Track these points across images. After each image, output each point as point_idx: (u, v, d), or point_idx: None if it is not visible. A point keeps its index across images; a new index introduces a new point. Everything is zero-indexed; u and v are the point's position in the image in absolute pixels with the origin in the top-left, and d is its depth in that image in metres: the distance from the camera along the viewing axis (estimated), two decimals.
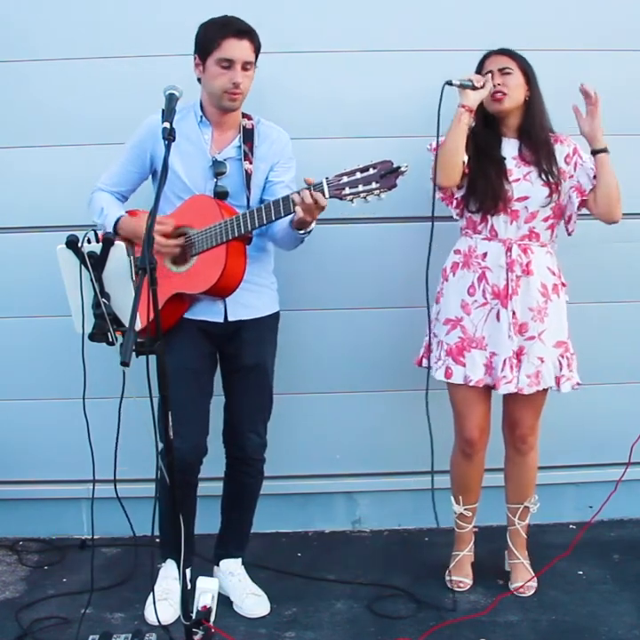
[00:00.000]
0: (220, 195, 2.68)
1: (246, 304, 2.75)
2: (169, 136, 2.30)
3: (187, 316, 2.75)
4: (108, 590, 2.97)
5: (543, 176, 2.76)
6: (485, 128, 2.81)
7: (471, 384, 2.79)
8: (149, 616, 2.71)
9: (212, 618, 2.36)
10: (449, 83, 2.67)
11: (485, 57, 2.80)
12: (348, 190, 2.38)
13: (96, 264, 2.23)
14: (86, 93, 3.07)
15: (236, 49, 2.57)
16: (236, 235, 2.55)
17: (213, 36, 2.58)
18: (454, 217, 2.89)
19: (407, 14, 3.08)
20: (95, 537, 3.18)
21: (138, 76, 2.99)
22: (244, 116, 2.77)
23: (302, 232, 2.54)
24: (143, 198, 2.84)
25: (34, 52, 3.06)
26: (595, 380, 3.24)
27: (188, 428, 2.67)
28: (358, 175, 2.37)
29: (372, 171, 2.36)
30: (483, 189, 2.76)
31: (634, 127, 3.15)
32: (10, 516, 3.39)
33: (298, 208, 2.43)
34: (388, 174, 2.34)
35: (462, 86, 2.69)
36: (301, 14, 3.08)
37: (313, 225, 2.53)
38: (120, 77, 3.05)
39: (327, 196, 2.40)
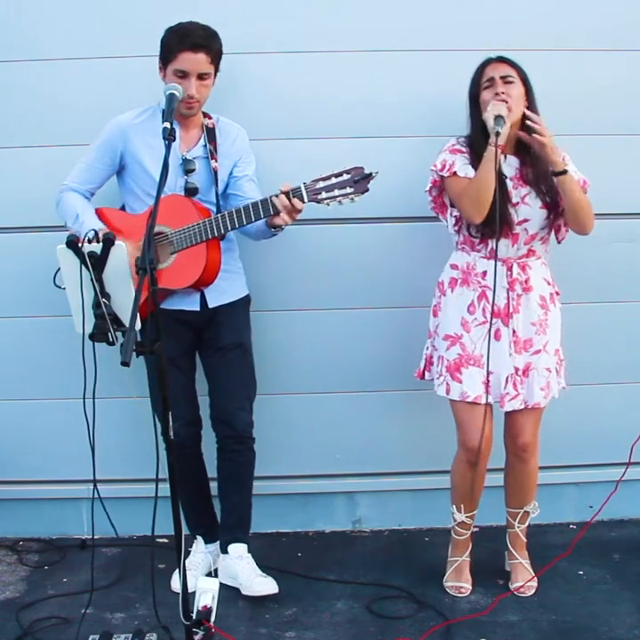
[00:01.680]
0: (191, 191, 2.82)
1: (222, 290, 2.90)
2: (169, 136, 2.35)
3: (164, 306, 2.80)
4: (108, 590, 2.97)
5: (541, 197, 2.73)
6: (485, 142, 2.70)
7: (469, 400, 2.79)
8: (174, 585, 2.95)
9: (213, 618, 2.36)
10: (498, 133, 2.58)
11: (485, 64, 2.76)
12: (324, 194, 2.54)
13: (96, 264, 2.23)
14: (87, 93, 3.07)
15: (191, 62, 2.69)
16: (216, 234, 2.68)
17: (172, 47, 2.70)
18: (450, 231, 2.87)
19: (406, 14, 3.08)
20: (95, 537, 3.18)
21: (139, 76, 2.99)
22: (205, 114, 2.90)
23: (276, 230, 2.69)
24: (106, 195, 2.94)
25: (34, 53, 3.05)
26: (595, 380, 3.25)
27: (176, 409, 2.69)
28: (333, 180, 2.54)
29: (346, 176, 2.53)
30: (497, 233, 2.69)
31: (632, 127, 3.15)
32: (10, 516, 3.39)
33: (282, 211, 2.58)
34: (361, 180, 2.52)
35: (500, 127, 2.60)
36: (300, 14, 3.07)
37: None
38: (121, 77, 3.05)
39: (306, 200, 2.56)
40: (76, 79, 3.07)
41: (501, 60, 2.75)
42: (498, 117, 2.61)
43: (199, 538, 3.11)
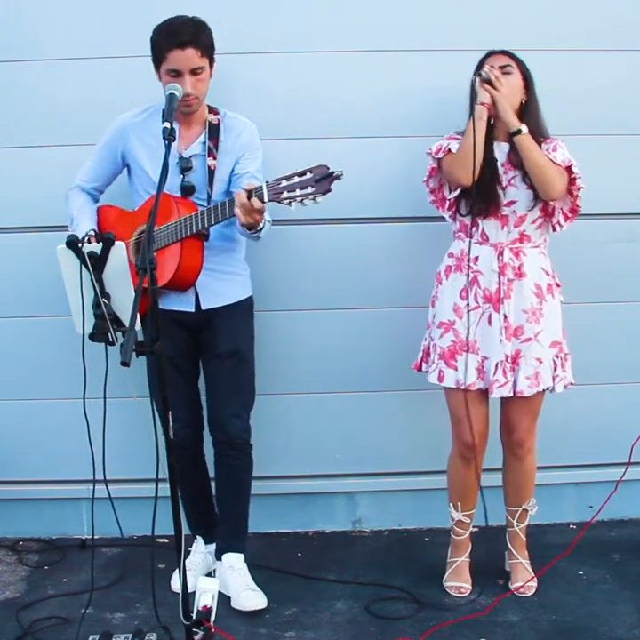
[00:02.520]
0: (187, 190, 2.77)
1: (217, 292, 2.84)
2: (169, 136, 2.32)
3: (159, 306, 2.77)
4: (107, 590, 2.97)
5: (527, 179, 2.73)
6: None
7: (463, 388, 2.79)
8: (174, 585, 2.94)
9: (213, 618, 2.36)
10: (479, 75, 2.65)
11: (486, 56, 2.79)
12: (286, 194, 2.39)
13: (96, 264, 2.23)
14: (87, 93, 3.07)
15: (181, 60, 2.64)
16: (189, 233, 2.63)
17: (160, 47, 2.66)
18: (447, 220, 2.89)
19: (406, 14, 3.08)
20: (95, 537, 3.18)
21: (139, 75, 2.98)
22: (211, 110, 2.83)
23: (251, 232, 2.57)
24: (115, 193, 2.93)
25: (34, 52, 3.05)
26: (595, 380, 3.24)
27: (176, 409, 2.67)
28: (296, 179, 2.38)
29: (308, 175, 2.37)
30: (474, 192, 2.73)
31: (632, 127, 3.15)
32: (10, 516, 3.39)
33: (237, 209, 2.47)
34: (322, 179, 2.34)
35: (486, 80, 2.66)
36: (300, 14, 3.08)
37: (262, 225, 2.57)
38: (121, 77, 3.05)
39: (266, 199, 2.42)
40: (77, 79, 3.07)
41: (503, 52, 2.78)
42: (484, 73, 2.67)
43: (199, 538, 3.10)
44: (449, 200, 2.85)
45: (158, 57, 2.68)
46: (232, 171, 2.82)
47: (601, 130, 3.11)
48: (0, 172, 3.14)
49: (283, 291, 3.21)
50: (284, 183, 2.40)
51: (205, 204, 2.78)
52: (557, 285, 2.87)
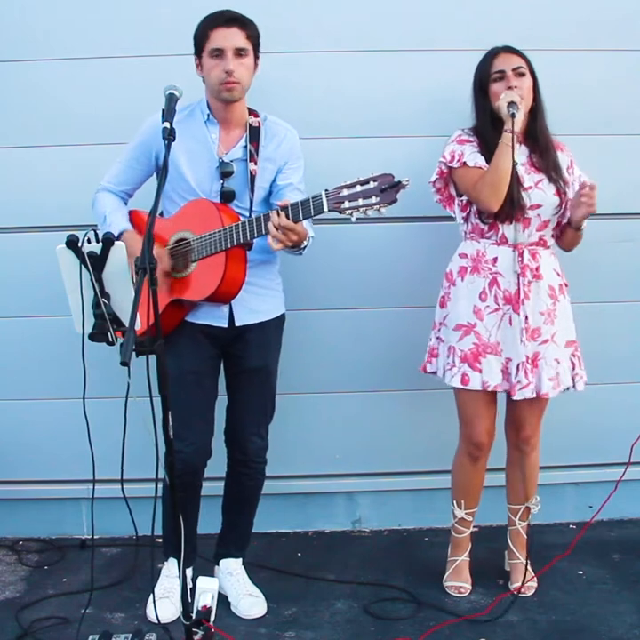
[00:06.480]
0: (227, 196, 2.67)
1: (253, 308, 2.74)
2: (169, 136, 2.30)
3: (190, 319, 2.72)
4: (107, 590, 2.97)
5: (554, 184, 2.74)
6: (494, 131, 2.71)
7: (489, 389, 2.77)
8: (150, 614, 2.73)
9: (212, 618, 2.36)
10: (514, 115, 2.59)
11: (494, 54, 2.73)
12: (347, 204, 2.30)
13: (96, 264, 2.23)
14: (88, 93, 3.07)
15: (225, 37, 2.55)
16: (236, 243, 2.53)
17: (204, 30, 2.58)
18: (458, 221, 2.86)
19: (407, 14, 3.08)
20: (95, 537, 3.18)
21: (140, 75, 2.99)
22: (251, 112, 2.73)
23: (296, 250, 2.50)
24: (144, 197, 2.83)
25: (35, 52, 3.06)
26: (595, 379, 3.23)
27: (192, 432, 2.70)
28: (358, 188, 2.29)
29: (372, 184, 2.28)
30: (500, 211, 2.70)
31: (632, 127, 3.15)
32: (10, 516, 3.39)
33: (271, 229, 2.38)
34: (388, 188, 2.27)
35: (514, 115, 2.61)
36: (301, 14, 3.08)
37: (305, 243, 2.49)
38: (122, 77, 3.05)
39: (326, 209, 2.34)
40: (79, 79, 3.07)
41: (511, 50, 2.73)
42: (511, 103, 2.61)
43: (171, 560, 2.88)
44: (461, 202, 2.82)
45: (201, 42, 2.58)
46: (274, 180, 2.72)
47: (601, 130, 3.12)
48: (1, 172, 3.15)
49: (284, 290, 3.21)
50: (345, 192, 2.30)
51: (246, 211, 2.67)
52: (566, 285, 2.87)
